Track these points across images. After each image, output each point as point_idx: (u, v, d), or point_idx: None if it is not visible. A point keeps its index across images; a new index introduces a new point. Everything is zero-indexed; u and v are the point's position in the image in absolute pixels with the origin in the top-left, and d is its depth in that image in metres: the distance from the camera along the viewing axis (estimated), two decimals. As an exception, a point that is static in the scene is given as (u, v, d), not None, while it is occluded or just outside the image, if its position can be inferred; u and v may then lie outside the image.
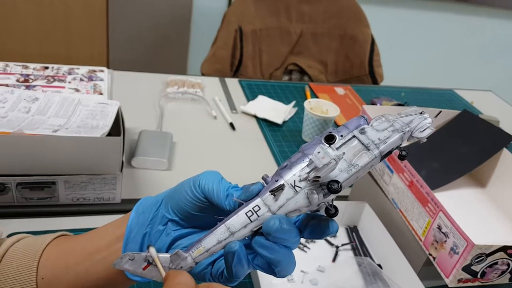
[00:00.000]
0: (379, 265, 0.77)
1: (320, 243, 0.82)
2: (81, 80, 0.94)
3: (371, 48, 1.74)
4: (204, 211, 0.42)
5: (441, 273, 0.67)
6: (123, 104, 0.87)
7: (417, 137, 0.39)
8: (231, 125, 1.14)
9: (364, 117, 0.40)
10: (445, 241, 0.66)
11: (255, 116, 1.20)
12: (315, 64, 1.76)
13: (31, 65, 0.96)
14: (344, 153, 0.37)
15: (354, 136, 0.38)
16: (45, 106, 0.82)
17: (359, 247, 0.82)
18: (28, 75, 0.93)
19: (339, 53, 1.77)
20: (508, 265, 0.67)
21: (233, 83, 1.37)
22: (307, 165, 0.37)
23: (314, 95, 1.38)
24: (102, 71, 0.98)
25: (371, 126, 0.39)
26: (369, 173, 0.87)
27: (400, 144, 0.39)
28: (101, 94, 0.91)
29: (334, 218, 0.40)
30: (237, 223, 0.38)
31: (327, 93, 1.40)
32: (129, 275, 0.41)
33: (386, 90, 1.53)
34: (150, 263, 0.37)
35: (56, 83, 0.92)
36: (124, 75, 1.26)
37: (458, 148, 0.92)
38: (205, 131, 1.11)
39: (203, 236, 0.39)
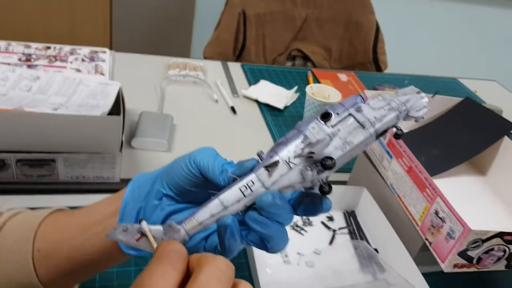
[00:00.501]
0: (376, 249, 0.78)
1: (317, 226, 0.82)
2: (83, 60, 0.94)
3: (376, 35, 1.72)
4: (199, 187, 0.42)
5: (437, 258, 0.67)
6: (125, 85, 0.87)
7: (413, 116, 0.39)
8: (232, 109, 1.14)
9: (361, 96, 0.40)
10: (442, 226, 0.66)
11: (256, 101, 1.20)
12: (319, 50, 1.75)
13: (33, 45, 0.96)
14: (339, 130, 0.37)
15: (350, 114, 0.38)
16: (46, 85, 0.83)
17: (356, 231, 0.82)
18: (30, 55, 0.92)
19: (343, 39, 1.75)
20: (505, 251, 0.67)
21: (235, 67, 1.36)
22: (302, 141, 0.37)
23: (317, 81, 1.37)
24: (104, 52, 0.98)
25: (368, 104, 0.39)
26: (368, 158, 0.87)
27: (396, 123, 0.39)
28: (102, 74, 0.91)
29: (328, 196, 0.40)
30: (231, 198, 0.38)
31: (330, 79, 1.40)
32: (123, 247, 0.42)
33: (389, 78, 1.52)
34: (143, 234, 0.38)
35: (58, 63, 0.92)
36: (126, 57, 1.26)
37: (459, 135, 0.91)
38: (206, 115, 1.11)
39: (196, 209, 0.39)
